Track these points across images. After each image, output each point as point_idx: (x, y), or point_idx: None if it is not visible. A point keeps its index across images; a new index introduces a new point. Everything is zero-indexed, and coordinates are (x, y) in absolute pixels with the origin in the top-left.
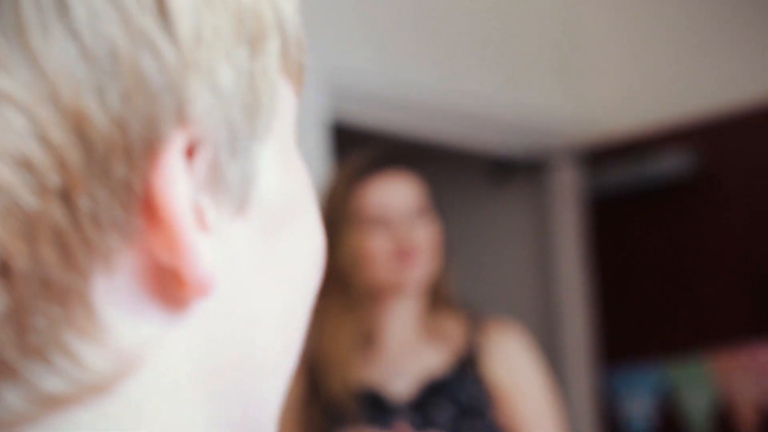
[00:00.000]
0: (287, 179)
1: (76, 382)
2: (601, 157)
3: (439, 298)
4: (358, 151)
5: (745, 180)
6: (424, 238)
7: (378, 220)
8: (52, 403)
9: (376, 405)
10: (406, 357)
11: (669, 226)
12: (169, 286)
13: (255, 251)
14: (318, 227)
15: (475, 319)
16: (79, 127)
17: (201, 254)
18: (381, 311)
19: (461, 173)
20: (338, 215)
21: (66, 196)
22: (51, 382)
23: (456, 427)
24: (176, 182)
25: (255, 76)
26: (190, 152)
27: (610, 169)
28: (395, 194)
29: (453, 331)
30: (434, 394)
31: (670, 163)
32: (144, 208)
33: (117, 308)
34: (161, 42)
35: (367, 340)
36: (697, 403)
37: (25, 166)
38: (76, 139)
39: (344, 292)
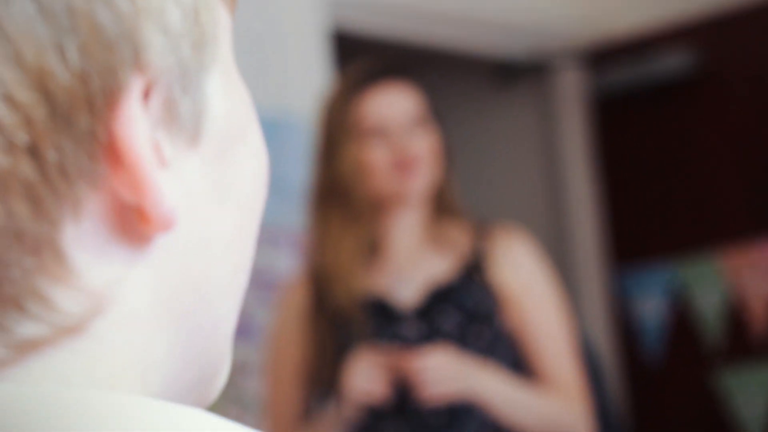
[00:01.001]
0: (233, 101)
1: (51, 325)
2: (604, 57)
3: (443, 205)
4: (357, 61)
5: (749, 76)
6: (423, 147)
7: (377, 131)
8: (28, 347)
9: (382, 313)
10: (411, 265)
11: (675, 125)
12: (133, 225)
13: (206, 179)
14: (262, 146)
15: (481, 225)
16: (42, 84)
17: (162, 191)
18: (384, 221)
19: (464, 78)
20: (337, 127)
21: (34, 152)
22: (26, 327)
23: (463, 333)
24: (136, 126)
25: (199, 10)
26: (146, 94)
27: (613, 69)
28: (393, 105)
29: (458, 238)
30: (440, 300)
31: (674, 62)
32: (107, 153)
33: (86, 252)
34: None
35: (372, 250)
36: (708, 301)
37: None
38: (40, 96)
39: (345, 204)
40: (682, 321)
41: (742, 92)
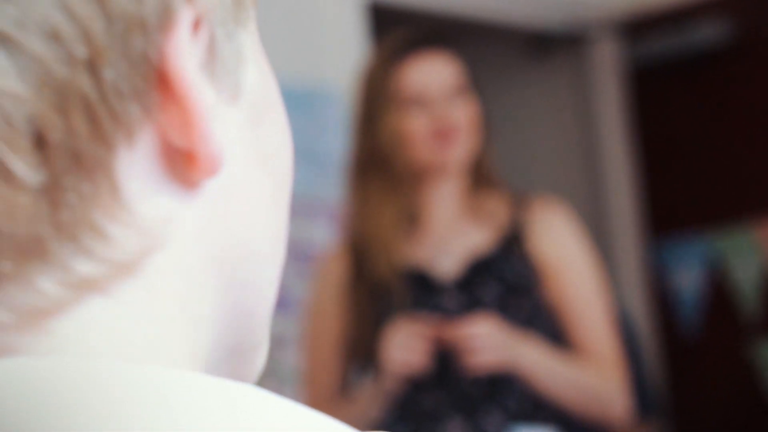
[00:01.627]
0: (262, 71)
1: (106, 261)
2: (640, 27)
3: (481, 176)
4: (396, 31)
5: None
6: (463, 117)
7: (417, 100)
8: (85, 286)
9: (422, 284)
10: (450, 236)
11: (712, 95)
12: (180, 165)
13: (244, 140)
14: (287, 122)
15: (519, 196)
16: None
17: (211, 126)
18: (423, 191)
19: (500, 50)
20: (377, 96)
21: (92, 67)
22: (83, 264)
23: (503, 305)
24: (187, 54)
25: None
26: (195, 27)
27: (650, 40)
28: (433, 73)
29: (497, 209)
30: (480, 272)
31: (710, 31)
32: (159, 79)
33: (138, 183)
34: None
35: (411, 220)
36: (745, 272)
37: (54, 37)
38: (99, 10)
39: (385, 173)
40: (719, 292)
41: None
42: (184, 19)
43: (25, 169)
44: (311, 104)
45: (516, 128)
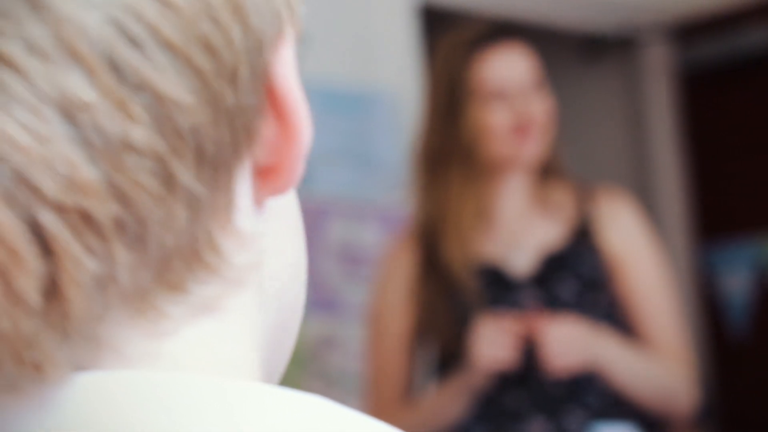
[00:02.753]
0: None
1: (223, 280)
2: (691, 31)
3: (549, 170)
4: (466, 24)
5: None
6: (540, 112)
7: (498, 93)
8: (201, 309)
9: (497, 281)
10: (522, 231)
11: (762, 100)
12: (259, 178)
13: None
14: None
15: (584, 187)
16: (236, 10)
17: (304, 144)
18: (496, 185)
19: (552, 52)
20: (457, 88)
21: (233, 79)
22: (202, 282)
23: (580, 301)
24: (292, 73)
25: None
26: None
27: (701, 44)
28: (513, 67)
29: (563, 201)
30: (555, 267)
31: (762, 36)
32: (269, 95)
33: (244, 199)
34: None
35: (483, 215)
36: None
37: (208, 48)
38: (237, 20)
39: (466, 166)
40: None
41: None
42: (289, 37)
43: (190, 180)
44: (362, 107)
45: (566, 130)
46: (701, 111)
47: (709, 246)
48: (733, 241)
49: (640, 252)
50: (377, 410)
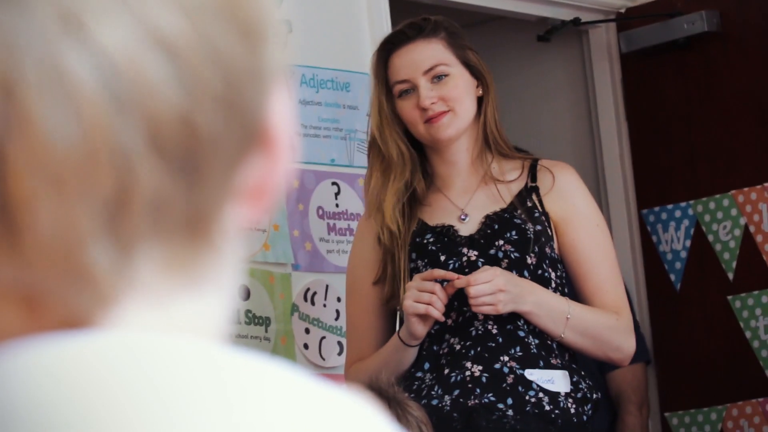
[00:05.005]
0: None
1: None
2: (633, 18)
3: (492, 142)
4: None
5: (763, 32)
6: (443, 94)
7: (405, 87)
8: (200, 280)
9: (446, 240)
10: (468, 196)
11: (689, 79)
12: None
13: None
14: None
15: (529, 159)
16: (248, 34)
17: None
18: (442, 160)
19: (509, 36)
20: (376, 83)
21: (233, 103)
22: (204, 258)
23: (520, 258)
24: (285, 110)
25: None
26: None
27: (640, 28)
28: (413, 62)
29: (510, 171)
30: (498, 228)
31: (695, 24)
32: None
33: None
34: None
35: (429, 184)
36: (724, 235)
37: (246, 35)
38: (245, 43)
39: (382, 153)
40: (701, 252)
41: (756, 47)
42: (282, 78)
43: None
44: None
45: (523, 106)
46: (639, 87)
47: (650, 209)
48: (671, 204)
49: (583, 214)
50: (350, 363)
